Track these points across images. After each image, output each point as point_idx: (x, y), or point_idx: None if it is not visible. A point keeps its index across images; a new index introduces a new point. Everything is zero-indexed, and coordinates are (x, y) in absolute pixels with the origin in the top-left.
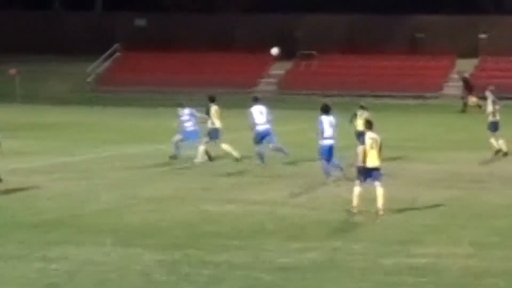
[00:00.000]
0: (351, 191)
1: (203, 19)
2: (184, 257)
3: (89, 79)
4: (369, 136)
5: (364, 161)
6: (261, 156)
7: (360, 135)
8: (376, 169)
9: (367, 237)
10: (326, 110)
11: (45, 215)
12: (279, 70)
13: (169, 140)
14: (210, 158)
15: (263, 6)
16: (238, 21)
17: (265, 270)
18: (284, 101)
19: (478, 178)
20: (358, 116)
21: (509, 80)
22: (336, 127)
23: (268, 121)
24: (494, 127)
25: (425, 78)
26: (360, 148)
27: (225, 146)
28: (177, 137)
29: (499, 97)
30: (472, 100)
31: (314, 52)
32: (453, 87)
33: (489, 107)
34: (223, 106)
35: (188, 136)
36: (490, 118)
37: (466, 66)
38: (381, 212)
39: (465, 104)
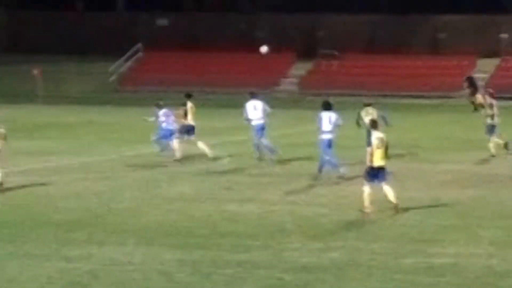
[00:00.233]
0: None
1: (224, 19)
2: (205, 257)
3: (111, 79)
4: (375, 135)
5: (371, 160)
6: (266, 148)
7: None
8: (381, 169)
9: (387, 237)
10: (326, 106)
11: (67, 215)
12: (300, 70)
13: (188, 141)
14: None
15: (285, 6)
16: (259, 21)
17: (286, 270)
18: (305, 101)
19: (497, 177)
20: (364, 115)
21: None
22: (336, 123)
23: (263, 117)
24: (492, 129)
25: (446, 78)
26: (368, 149)
27: (200, 144)
28: (154, 136)
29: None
30: (478, 98)
31: (335, 52)
32: None
33: (488, 110)
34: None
35: (164, 135)
36: (488, 121)
37: (487, 66)
38: (399, 206)
39: (473, 103)
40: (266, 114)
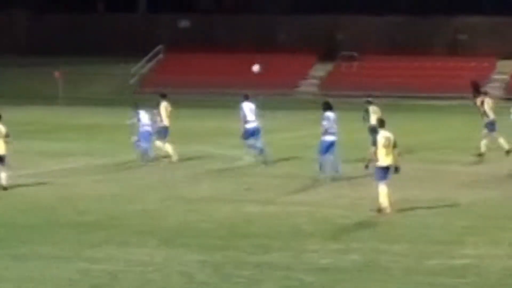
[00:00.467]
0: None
1: (245, 20)
2: (225, 258)
3: (132, 81)
4: (383, 134)
5: (377, 159)
6: (255, 147)
7: (374, 131)
8: (387, 168)
9: (408, 238)
10: (329, 106)
11: (88, 216)
12: (320, 71)
13: (211, 141)
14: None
15: (305, 7)
16: (280, 22)
17: (306, 271)
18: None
19: None
20: (371, 112)
21: None
22: (337, 123)
23: (257, 119)
24: (491, 127)
25: (466, 79)
26: (372, 149)
27: (167, 146)
28: (134, 138)
29: None
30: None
31: (355, 54)
32: (494, 88)
33: (481, 109)
34: (264, 107)
35: (143, 136)
36: (485, 119)
37: (507, 67)
38: (381, 210)
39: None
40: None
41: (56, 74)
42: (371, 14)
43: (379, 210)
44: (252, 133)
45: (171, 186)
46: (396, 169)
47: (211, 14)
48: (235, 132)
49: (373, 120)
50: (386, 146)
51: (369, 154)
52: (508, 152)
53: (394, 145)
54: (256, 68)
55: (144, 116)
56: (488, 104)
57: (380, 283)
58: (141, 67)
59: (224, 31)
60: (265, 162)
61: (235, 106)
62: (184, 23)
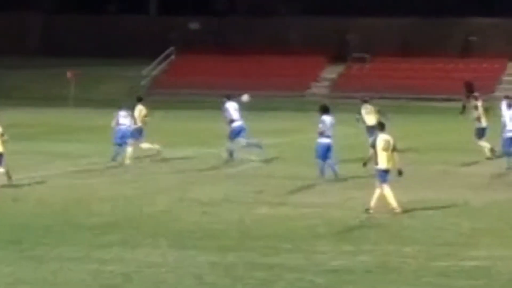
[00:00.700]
0: (401, 195)
1: (256, 22)
2: (237, 260)
3: (143, 82)
4: (382, 138)
5: (376, 162)
6: (231, 152)
7: (371, 130)
8: (386, 171)
9: (418, 239)
10: (326, 110)
11: (101, 218)
12: (331, 73)
13: (222, 143)
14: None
15: (316, 9)
16: (291, 24)
17: (317, 273)
18: (336, 104)
19: None
20: (365, 112)
21: None
22: (333, 127)
23: (241, 118)
24: (480, 133)
25: (477, 81)
26: (371, 151)
27: (144, 145)
28: (115, 139)
29: None
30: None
31: (366, 55)
32: (505, 90)
33: (474, 113)
34: (276, 109)
35: (118, 136)
36: (476, 125)
37: None
38: (371, 211)
39: (464, 107)
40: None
41: (69, 74)
42: (382, 16)
43: (368, 209)
44: (238, 133)
45: (182, 188)
46: (400, 173)
47: (222, 16)
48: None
49: (368, 120)
50: (385, 150)
51: (370, 154)
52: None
53: (394, 149)
54: (245, 98)
55: (124, 117)
56: (481, 109)
57: (390, 284)
58: (153, 69)
59: (235, 33)
60: (230, 154)
61: (246, 108)
62: (194, 25)
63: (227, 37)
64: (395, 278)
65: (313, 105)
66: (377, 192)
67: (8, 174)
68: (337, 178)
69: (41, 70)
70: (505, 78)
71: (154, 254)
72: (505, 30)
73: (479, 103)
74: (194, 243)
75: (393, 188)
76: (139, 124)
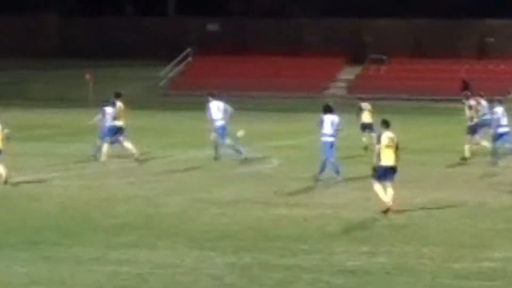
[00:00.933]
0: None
1: (274, 24)
2: (254, 261)
3: (161, 84)
4: (386, 135)
5: (379, 159)
6: (230, 148)
7: (366, 128)
8: (391, 168)
9: (435, 241)
10: (328, 109)
11: (118, 218)
12: (348, 74)
13: (238, 144)
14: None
15: (333, 11)
16: (308, 25)
17: (334, 274)
18: (353, 105)
19: None
20: (364, 110)
21: None
22: (338, 127)
23: (224, 117)
24: (473, 130)
25: (493, 82)
26: (376, 147)
27: (127, 145)
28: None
29: None
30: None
31: (383, 57)
32: None
33: (467, 113)
34: (294, 110)
35: (105, 133)
36: (468, 123)
37: None
38: (389, 211)
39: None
40: (228, 114)
41: (87, 76)
42: (399, 17)
43: (387, 210)
44: (220, 133)
45: (199, 189)
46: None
47: (240, 17)
48: (262, 135)
49: (364, 117)
50: (389, 147)
51: (376, 150)
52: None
53: (397, 147)
54: (240, 133)
55: (109, 113)
56: (474, 107)
57: (407, 286)
58: (170, 70)
59: (253, 34)
60: (216, 158)
61: (264, 109)
62: (212, 26)
63: (244, 39)
64: (411, 280)
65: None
66: (388, 190)
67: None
68: (336, 179)
69: (59, 71)
70: None
71: (170, 255)
72: None
73: (473, 103)
74: (211, 244)
75: (410, 189)
76: (117, 122)
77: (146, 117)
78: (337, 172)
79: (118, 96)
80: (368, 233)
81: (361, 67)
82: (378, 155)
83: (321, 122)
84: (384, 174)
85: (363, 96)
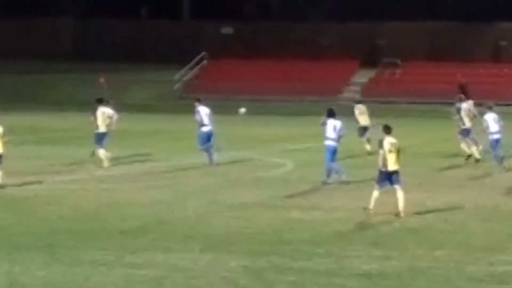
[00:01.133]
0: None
1: (288, 27)
2: (268, 264)
3: (176, 87)
4: (388, 141)
5: (384, 165)
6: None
7: (363, 130)
8: (395, 172)
9: (449, 244)
10: (331, 114)
11: (132, 222)
12: (362, 78)
13: (253, 147)
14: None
15: (347, 14)
16: (322, 29)
17: (348, 277)
18: (367, 109)
19: None
20: (358, 112)
21: None
22: (340, 133)
23: (211, 123)
24: (465, 132)
25: (508, 85)
26: (380, 153)
27: (101, 152)
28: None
29: None
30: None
31: (397, 60)
32: None
33: (456, 116)
34: (308, 113)
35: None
36: (461, 126)
37: None
38: (402, 215)
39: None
40: (212, 120)
41: (101, 79)
42: (414, 20)
43: (398, 214)
44: (208, 138)
45: (213, 192)
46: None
47: (254, 20)
48: (277, 138)
49: (361, 120)
50: (391, 152)
51: (380, 155)
52: (477, 160)
53: (398, 151)
54: (242, 110)
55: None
56: (465, 110)
57: None
58: (185, 74)
59: (267, 37)
60: (211, 164)
61: (279, 113)
62: (226, 30)
63: (259, 42)
64: (425, 283)
65: (345, 110)
66: (398, 192)
67: None
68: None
69: (73, 74)
70: None
71: (185, 258)
72: None
73: (463, 106)
74: (226, 247)
75: (423, 192)
76: (102, 128)
77: (161, 121)
78: (329, 176)
79: (100, 101)
80: (382, 237)
81: (375, 71)
82: (384, 159)
83: (324, 124)
84: (389, 178)
85: (359, 99)
